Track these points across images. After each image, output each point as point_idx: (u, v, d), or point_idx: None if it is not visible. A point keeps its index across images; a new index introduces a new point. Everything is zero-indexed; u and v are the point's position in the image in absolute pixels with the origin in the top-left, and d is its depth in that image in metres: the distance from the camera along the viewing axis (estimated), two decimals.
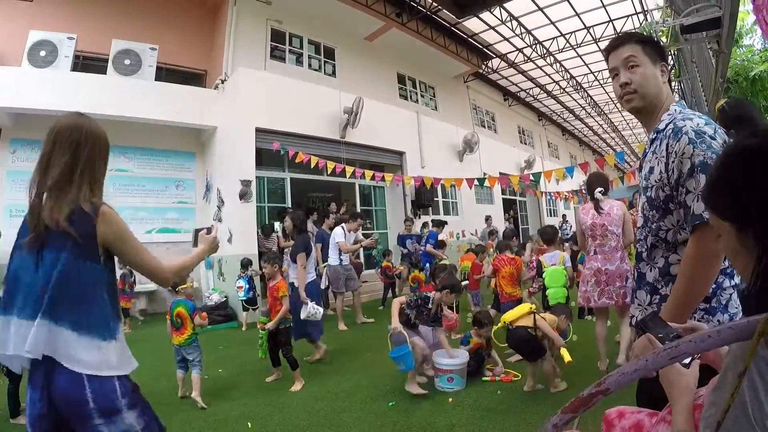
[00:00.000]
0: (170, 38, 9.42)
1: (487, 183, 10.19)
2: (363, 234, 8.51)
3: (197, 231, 1.98)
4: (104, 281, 1.53)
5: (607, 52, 1.57)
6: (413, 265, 7.28)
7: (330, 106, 9.63)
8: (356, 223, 7.02)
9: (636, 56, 1.48)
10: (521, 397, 3.40)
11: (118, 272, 7.34)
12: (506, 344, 3.69)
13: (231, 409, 3.49)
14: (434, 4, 10.98)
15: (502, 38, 12.80)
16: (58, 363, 1.39)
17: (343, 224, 6.97)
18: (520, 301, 4.69)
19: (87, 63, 8.65)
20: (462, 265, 7.34)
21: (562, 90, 17.12)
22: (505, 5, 10.86)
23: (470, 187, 10.53)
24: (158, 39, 8.98)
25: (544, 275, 4.58)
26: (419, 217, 10.95)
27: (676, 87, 9.12)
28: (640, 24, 11.09)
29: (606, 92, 17.17)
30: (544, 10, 11.03)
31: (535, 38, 12.66)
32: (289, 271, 5.26)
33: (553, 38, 12.69)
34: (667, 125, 1.42)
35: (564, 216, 16.98)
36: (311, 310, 4.52)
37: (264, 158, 8.89)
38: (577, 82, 16.11)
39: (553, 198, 15.62)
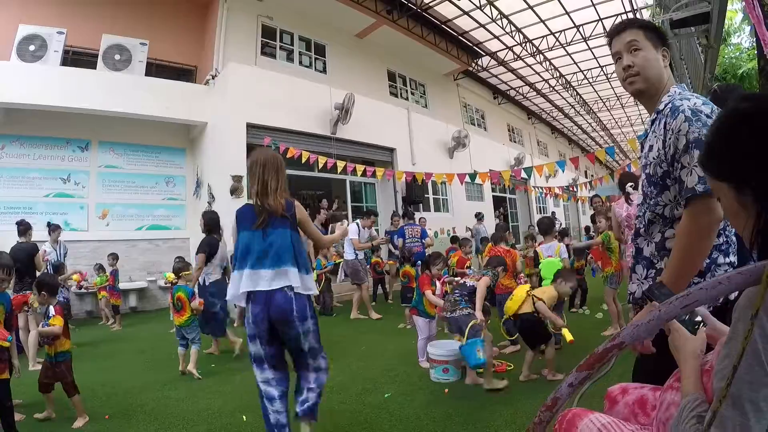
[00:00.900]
0: (161, 34, 9.32)
1: (478, 179, 10.24)
2: None
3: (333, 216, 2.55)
4: (300, 242, 2.46)
5: (610, 37, 1.61)
6: (405, 260, 7.28)
7: (321, 102, 9.62)
8: (370, 220, 7.26)
9: (638, 40, 1.51)
10: (517, 387, 3.43)
11: (108, 269, 7.25)
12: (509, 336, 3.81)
13: (226, 403, 3.47)
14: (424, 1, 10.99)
15: (492, 36, 12.85)
16: (278, 288, 2.30)
17: (358, 220, 7.17)
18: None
19: (77, 58, 8.52)
20: (451, 261, 7.36)
21: (551, 88, 17.26)
22: (495, 3, 10.91)
23: (461, 183, 10.57)
24: (149, 34, 8.89)
25: (540, 266, 4.64)
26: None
27: None
28: None
29: (595, 91, 17.35)
30: (534, 8, 11.12)
31: (524, 36, 12.75)
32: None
33: (543, 36, 12.80)
34: (666, 105, 1.46)
35: (553, 213, 17.08)
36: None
37: None
38: (566, 80, 16.23)
39: (544, 194, 15.70)
